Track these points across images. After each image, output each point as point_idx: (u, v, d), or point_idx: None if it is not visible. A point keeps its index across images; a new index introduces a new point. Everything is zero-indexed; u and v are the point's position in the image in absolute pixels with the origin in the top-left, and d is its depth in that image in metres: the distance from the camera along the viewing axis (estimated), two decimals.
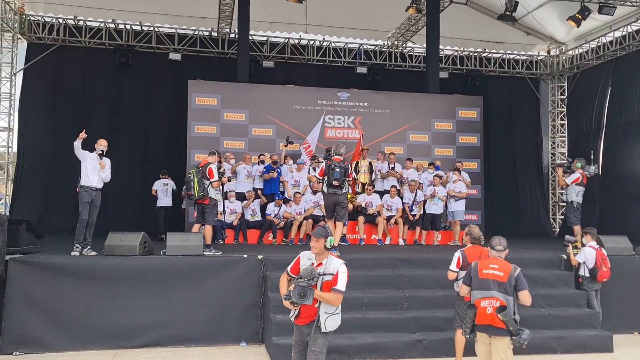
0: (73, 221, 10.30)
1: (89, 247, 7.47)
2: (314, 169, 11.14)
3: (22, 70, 13.75)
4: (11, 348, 6.52)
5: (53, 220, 12.87)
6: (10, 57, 13.77)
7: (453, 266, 5.79)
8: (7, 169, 13.87)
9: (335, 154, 8.10)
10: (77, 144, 7.43)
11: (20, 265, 6.77)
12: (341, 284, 4.12)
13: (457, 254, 5.81)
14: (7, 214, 12.29)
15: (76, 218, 7.64)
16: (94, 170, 7.52)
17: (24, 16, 13.61)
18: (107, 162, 7.67)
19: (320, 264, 4.18)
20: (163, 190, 11.67)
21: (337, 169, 7.91)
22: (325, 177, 8.04)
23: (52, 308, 6.72)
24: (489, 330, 4.58)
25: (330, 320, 4.18)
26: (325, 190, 8.12)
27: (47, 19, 13.75)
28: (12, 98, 13.80)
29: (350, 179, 8.91)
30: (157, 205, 11.62)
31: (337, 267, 4.14)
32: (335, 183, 7.94)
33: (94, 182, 7.52)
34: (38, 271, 6.78)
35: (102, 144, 7.66)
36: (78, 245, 7.38)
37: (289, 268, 4.35)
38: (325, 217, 8.52)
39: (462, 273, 5.50)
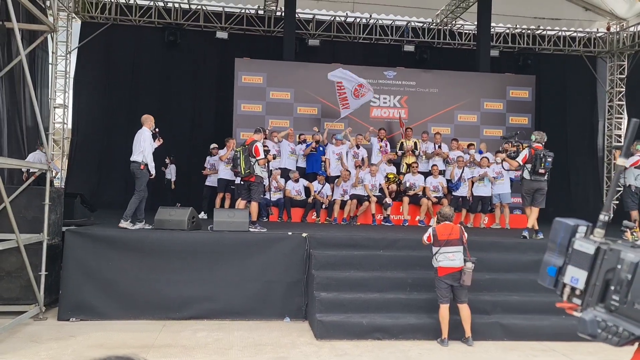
0: (123, 195, 10.69)
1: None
2: (358, 146, 11.06)
3: (77, 49, 14.17)
4: (68, 314, 6.86)
5: (105, 194, 13.34)
6: (65, 36, 14.19)
7: (424, 238, 6.42)
8: (63, 144, 14.43)
9: (536, 142, 8.23)
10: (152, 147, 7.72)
11: (76, 237, 7.07)
12: None
13: (429, 231, 6.40)
14: (63, 187, 12.81)
15: (127, 192, 7.88)
16: (152, 148, 7.75)
17: None
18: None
19: None
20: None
21: (550, 159, 8.05)
22: (530, 165, 8.13)
23: (105, 278, 7.00)
24: None
25: None
26: (527, 177, 8.20)
27: None
28: (67, 76, 14.26)
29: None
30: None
31: None
32: (542, 171, 8.07)
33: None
34: (92, 242, 7.06)
35: (153, 122, 7.85)
36: (143, 220, 7.71)
37: None
38: (523, 205, 8.58)
39: (435, 248, 6.23)
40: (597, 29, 15.95)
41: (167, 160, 12.76)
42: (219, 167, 10.60)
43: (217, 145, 11.22)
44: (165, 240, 7.24)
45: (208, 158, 11.30)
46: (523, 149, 8.53)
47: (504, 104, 13.05)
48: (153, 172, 7.74)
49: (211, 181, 11.04)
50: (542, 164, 8.04)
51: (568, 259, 1.35)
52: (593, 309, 1.29)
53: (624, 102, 15.94)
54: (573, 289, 1.34)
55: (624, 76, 15.95)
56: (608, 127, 16.18)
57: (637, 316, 1.22)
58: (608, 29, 15.81)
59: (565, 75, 16.01)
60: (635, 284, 1.23)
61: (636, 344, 1.26)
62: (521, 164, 8.23)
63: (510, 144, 8.78)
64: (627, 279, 1.24)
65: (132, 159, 7.67)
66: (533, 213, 8.27)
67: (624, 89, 15.94)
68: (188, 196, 12.15)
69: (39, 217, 6.89)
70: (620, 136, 15.75)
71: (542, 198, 8.22)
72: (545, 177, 8.22)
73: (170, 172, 12.98)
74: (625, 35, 15.56)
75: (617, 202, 15.18)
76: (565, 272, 1.35)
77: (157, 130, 7.96)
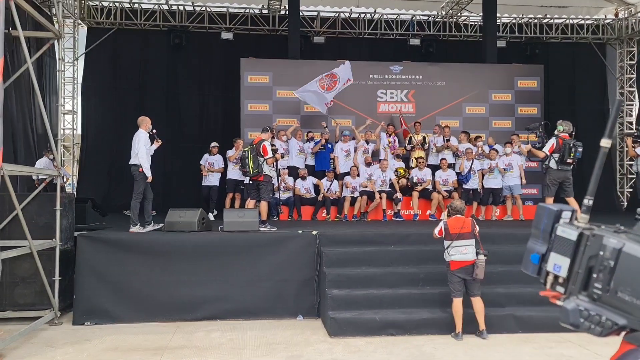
0: None
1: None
2: (367, 142, 11.03)
3: (84, 55, 14.27)
4: (82, 319, 6.92)
5: (116, 198, 13.42)
6: (72, 42, 14.30)
7: (435, 232, 6.38)
8: (73, 150, 14.55)
9: (564, 132, 8.22)
10: (150, 150, 7.72)
11: (88, 241, 7.12)
12: None
13: (440, 225, 6.35)
14: (75, 192, 12.92)
15: None
16: (149, 150, 7.76)
17: (83, 2, 14.06)
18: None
19: None
20: None
21: (580, 149, 8.05)
22: (558, 154, 8.12)
23: (118, 282, 7.05)
24: None
25: None
26: (554, 167, 8.19)
27: (105, 4, 14.16)
28: (75, 82, 14.37)
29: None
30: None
31: None
32: (570, 161, 8.07)
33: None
34: (104, 247, 7.11)
35: (149, 123, 7.83)
36: (151, 222, 7.77)
37: None
38: (545, 194, 8.54)
39: (447, 242, 6.18)
40: (605, 16, 15.75)
41: None
42: (229, 167, 10.59)
43: (217, 144, 11.07)
44: (176, 242, 7.27)
45: (206, 156, 11.04)
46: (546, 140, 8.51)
47: (513, 95, 12.93)
48: (149, 174, 7.57)
49: (209, 181, 10.82)
50: (572, 154, 8.05)
51: (551, 245, 1.31)
52: (576, 297, 1.24)
53: (635, 89, 15.72)
54: (556, 277, 1.29)
55: (634, 62, 15.73)
56: (619, 114, 15.97)
57: (620, 305, 1.17)
58: (616, 15, 15.59)
59: (574, 64, 15.83)
60: (618, 271, 1.18)
61: (621, 335, 1.20)
62: (548, 154, 8.19)
63: (535, 135, 8.73)
64: (610, 265, 1.19)
65: (130, 162, 7.66)
66: (572, 204, 8.21)
67: (634, 76, 15.72)
68: (199, 198, 12.17)
69: (51, 222, 6.95)
70: (632, 123, 15.54)
71: (571, 188, 8.24)
72: (571, 167, 8.24)
73: None
74: (634, 21, 15.34)
75: (630, 190, 15.05)
76: (548, 260, 1.31)
77: (154, 131, 7.90)
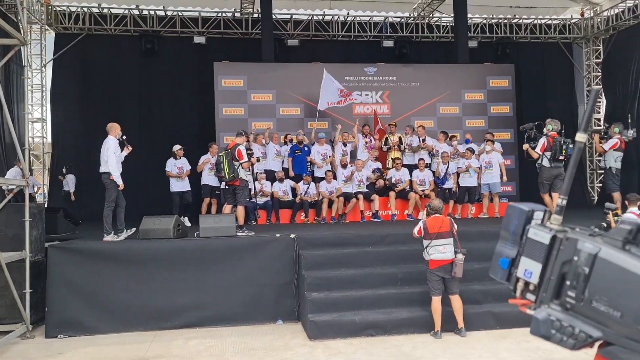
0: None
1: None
2: (344, 144, 11.05)
3: (52, 61, 13.97)
4: (55, 331, 6.74)
5: (89, 206, 13.12)
6: (39, 48, 13.99)
7: (415, 231, 6.41)
8: (43, 158, 14.22)
9: (552, 131, 8.46)
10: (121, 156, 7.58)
11: (60, 252, 6.95)
12: None
13: (419, 224, 6.41)
14: (46, 202, 12.63)
15: None
16: (119, 157, 7.62)
17: (50, 7, 13.76)
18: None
19: None
20: None
21: (571, 145, 8.27)
22: (549, 152, 8.37)
23: (93, 292, 6.89)
24: None
25: None
26: (547, 165, 8.45)
27: (73, 9, 13.88)
28: (44, 89, 14.05)
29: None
30: None
31: None
32: (562, 158, 8.34)
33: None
34: (76, 257, 6.95)
35: (119, 129, 7.68)
36: (124, 229, 7.60)
37: None
38: (541, 191, 8.76)
39: (426, 242, 6.23)
40: (572, 15, 16.11)
41: (63, 170, 12.50)
42: (204, 172, 10.40)
43: (181, 147, 10.45)
44: (151, 250, 7.15)
45: (172, 161, 10.28)
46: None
47: (485, 94, 13.12)
48: (119, 182, 7.40)
49: (179, 186, 10.16)
50: (564, 151, 8.33)
51: (522, 249, 1.20)
52: (547, 306, 1.15)
53: (601, 86, 16.11)
54: (527, 284, 1.19)
55: (599, 60, 16.13)
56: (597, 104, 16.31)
57: (595, 316, 1.07)
58: (582, 14, 15.97)
59: (543, 63, 16.14)
60: (593, 278, 1.08)
61: (595, 346, 1.10)
62: (540, 153, 8.45)
63: (530, 134, 8.96)
64: (585, 272, 1.09)
65: (100, 170, 7.49)
66: (555, 199, 8.41)
67: (600, 74, 16.11)
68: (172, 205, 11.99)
69: (20, 234, 6.76)
70: (599, 120, 15.91)
71: (561, 183, 8.34)
72: (563, 164, 8.51)
73: (68, 183, 12.70)
74: (599, 20, 15.72)
75: (600, 185, 15.38)
76: (519, 265, 1.20)
77: (124, 137, 7.75)
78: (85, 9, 13.89)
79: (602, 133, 9.91)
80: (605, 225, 7.80)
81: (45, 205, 10.35)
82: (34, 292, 6.86)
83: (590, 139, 15.25)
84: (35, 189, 13.27)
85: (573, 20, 16.14)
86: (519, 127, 9.69)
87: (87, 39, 14.01)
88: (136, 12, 14.16)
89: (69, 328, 6.77)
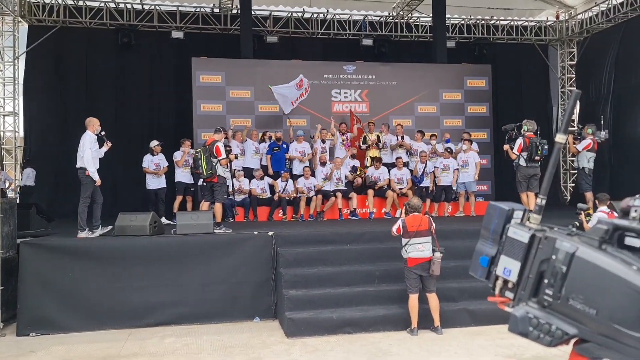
0: None
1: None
2: (323, 141, 11.06)
3: (25, 54, 13.64)
4: (27, 330, 6.60)
5: (63, 202, 12.90)
6: (11, 40, 13.65)
7: (394, 230, 6.44)
8: (15, 153, 13.89)
9: (529, 131, 8.70)
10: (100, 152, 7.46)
11: (32, 249, 6.80)
12: None
13: (399, 223, 6.42)
14: (17, 198, 12.34)
15: None
16: (97, 153, 7.49)
17: None
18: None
19: None
20: None
21: (546, 146, 8.58)
22: (526, 153, 8.62)
23: (65, 289, 6.77)
24: None
25: None
26: (524, 164, 8.71)
27: (47, 1, 13.56)
28: (16, 82, 13.72)
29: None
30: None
31: None
32: (537, 158, 8.60)
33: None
34: (49, 253, 6.81)
35: (97, 124, 7.55)
36: (99, 226, 7.48)
37: None
38: (518, 190, 8.96)
39: (404, 240, 6.28)
40: (547, 18, 16.38)
41: (22, 163, 12.26)
42: (177, 170, 10.25)
43: (158, 142, 10.21)
44: (127, 247, 7.05)
45: (149, 157, 10.08)
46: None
47: (462, 94, 13.27)
48: (96, 178, 7.29)
49: (155, 184, 9.97)
50: (539, 152, 8.58)
51: (501, 247, 1.22)
52: (525, 304, 1.17)
53: (575, 88, 16.44)
54: (505, 282, 1.21)
55: (574, 62, 16.45)
56: (562, 112, 16.66)
57: (571, 313, 1.09)
58: (557, 17, 16.26)
59: (519, 64, 16.40)
60: (570, 277, 1.10)
61: (571, 344, 1.13)
62: (517, 153, 8.72)
63: (512, 134, 9.17)
64: (562, 271, 1.11)
65: (77, 165, 7.35)
66: (531, 198, 8.64)
67: (574, 75, 16.44)
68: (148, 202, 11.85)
69: None
70: (573, 121, 16.20)
71: (537, 183, 8.77)
72: (539, 164, 8.76)
73: (29, 177, 12.44)
74: (573, 22, 16.03)
75: (573, 185, 15.71)
76: (498, 263, 1.22)
77: (103, 133, 7.62)
78: (60, 1, 13.59)
79: (576, 134, 10.12)
80: (577, 224, 8.00)
81: (17, 201, 10.13)
82: (5, 290, 6.70)
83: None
84: (7, 184, 12.97)
85: (548, 23, 16.42)
86: (501, 127, 9.86)
87: (61, 32, 13.71)
88: (112, 5, 13.91)
89: (41, 326, 6.63)
